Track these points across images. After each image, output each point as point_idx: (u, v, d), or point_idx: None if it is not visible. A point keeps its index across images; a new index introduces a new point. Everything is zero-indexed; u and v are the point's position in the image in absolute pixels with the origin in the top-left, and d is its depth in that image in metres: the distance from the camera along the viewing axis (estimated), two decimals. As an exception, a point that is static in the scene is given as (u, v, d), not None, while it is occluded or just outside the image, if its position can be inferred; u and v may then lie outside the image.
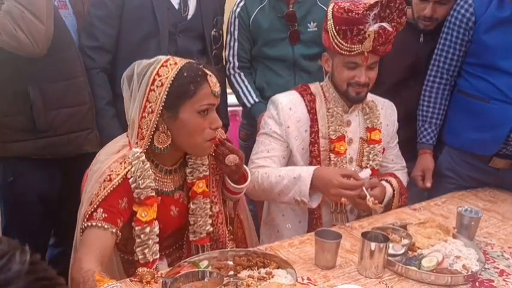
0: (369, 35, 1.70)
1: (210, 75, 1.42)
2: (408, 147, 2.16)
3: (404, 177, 2.03)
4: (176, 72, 1.37)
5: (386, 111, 1.98)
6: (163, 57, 1.42)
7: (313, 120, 1.85)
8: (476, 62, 2.07)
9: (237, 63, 2.39)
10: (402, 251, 1.54)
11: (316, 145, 1.85)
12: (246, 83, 2.37)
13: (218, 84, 1.44)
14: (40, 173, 1.89)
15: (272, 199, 1.90)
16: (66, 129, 1.87)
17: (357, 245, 1.51)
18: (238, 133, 2.65)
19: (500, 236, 1.77)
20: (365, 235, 1.46)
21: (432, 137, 2.22)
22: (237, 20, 2.36)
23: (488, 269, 1.52)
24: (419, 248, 1.58)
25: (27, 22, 1.59)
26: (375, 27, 1.69)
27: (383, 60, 2.34)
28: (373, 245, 1.42)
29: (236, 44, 2.37)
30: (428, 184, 2.16)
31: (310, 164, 1.85)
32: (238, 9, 2.36)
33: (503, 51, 1.95)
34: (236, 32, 2.36)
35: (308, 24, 2.32)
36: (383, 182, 1.89)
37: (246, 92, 2.36)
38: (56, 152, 1.87)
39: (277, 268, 1.41)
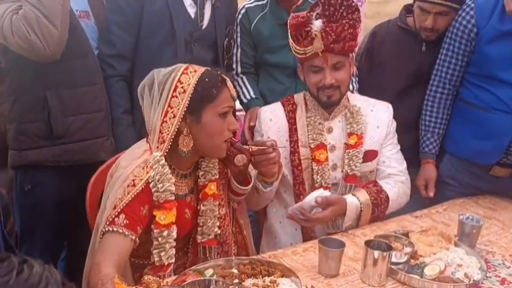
0: (316, 35, 1.74)
1: (227, 80, 1.51)
2: (410, 154, 2.15)
3: (394, 185, 1.91)
4: (197, 79, 1.45)
5: (377, 113, 1.96)
6: (182, 65, 1.49)
7: (292, 130, 1.91)
8: (478, 72, 2.08)
9: (239, 69, 2.40)
10: (405, 259, 1.55)
11: (296, 154, 1.89)
12: (246, 83, 2.38)
13: (234, 89, 1.53)
14: (57, 182, 1.89)
15: (257, 200, 1.86)
16: (82, 136, 1.88)
17: (360, 253, 1.53)
18: (240, 137, 2.66)
19: (501, 244, 1.79)
20: (368, 243, 1.47)
21: (435, 147, 2.23)
22: (239, 27, 2.36)
23: (490, 277, 1.53)
24: (421, 256, 1.58)
25: (41, 25, 1.64)
26: (317, 26, 1.73)
27: (385, 68, 2.37)
28: (376, 254, 1.43)
29: (239, 50, 2.38)
30: (431, 193, 2.19)
31: (293, 173, 1.89)
32: (240, 16, 2.37)
33: (504, 62, 1.97)
34: (239, 39, 2.37)
35: None
36: (348, 197, 1.82)
37: (244, 90, 2.38)
38: (72, 159, 1.88)
39: (282, 276, 1.42)
